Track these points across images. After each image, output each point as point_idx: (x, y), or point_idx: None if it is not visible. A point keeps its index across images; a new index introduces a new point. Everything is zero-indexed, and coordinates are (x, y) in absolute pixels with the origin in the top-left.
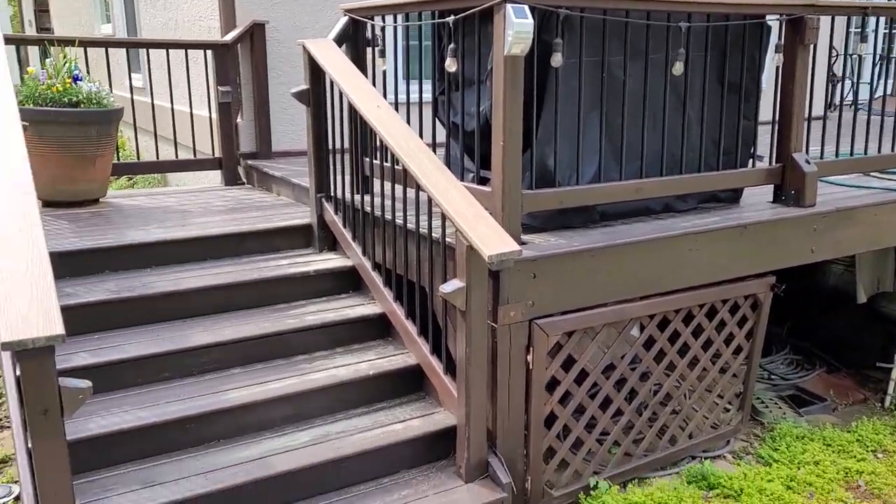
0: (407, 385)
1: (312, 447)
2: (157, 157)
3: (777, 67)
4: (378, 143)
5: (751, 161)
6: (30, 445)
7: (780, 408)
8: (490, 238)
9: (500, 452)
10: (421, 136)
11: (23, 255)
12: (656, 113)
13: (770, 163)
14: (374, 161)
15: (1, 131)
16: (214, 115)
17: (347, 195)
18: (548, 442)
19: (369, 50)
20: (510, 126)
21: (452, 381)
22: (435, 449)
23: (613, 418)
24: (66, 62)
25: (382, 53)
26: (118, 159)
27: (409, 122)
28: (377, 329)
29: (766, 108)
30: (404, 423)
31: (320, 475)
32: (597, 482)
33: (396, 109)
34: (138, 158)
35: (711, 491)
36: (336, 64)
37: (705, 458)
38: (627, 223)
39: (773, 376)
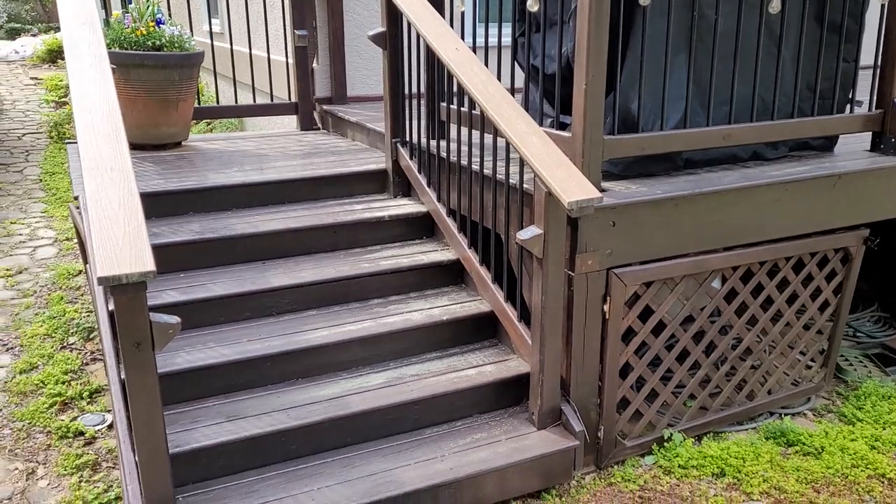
0: (480, 331)
1: (387, 389)
2: (236, 102)
3: (882, 5)
4: (455, 88)
5: (848, 106)
6: (123, 377)
7: (865, 366)
8: (570, 184)
9: (573, 401)
10: (499, 80)
11: (116, 192)
12: (748, 55)
13: (869, 108)
14: (451, 106)
15: (96, 74)
16: (291, 60)
17: (423, 140)
18: (622, 392)
19: None
20: (594, 68)
21: (527, 329)
22: (507, 395)
23: (690, 371)
24: (149, 5)
25: None
26: (198, 104)
27: (487, 65)
28: (451, 275)
29: (868, 50)
30: (477, 368)
31: (394, 416)
32: (671, 434)
33: (474, 53)
34: (217, 104)
35: (790, 448)
36: (413, 5)
37: (784, 415)
38: (713, 171)
39: (858, 333)
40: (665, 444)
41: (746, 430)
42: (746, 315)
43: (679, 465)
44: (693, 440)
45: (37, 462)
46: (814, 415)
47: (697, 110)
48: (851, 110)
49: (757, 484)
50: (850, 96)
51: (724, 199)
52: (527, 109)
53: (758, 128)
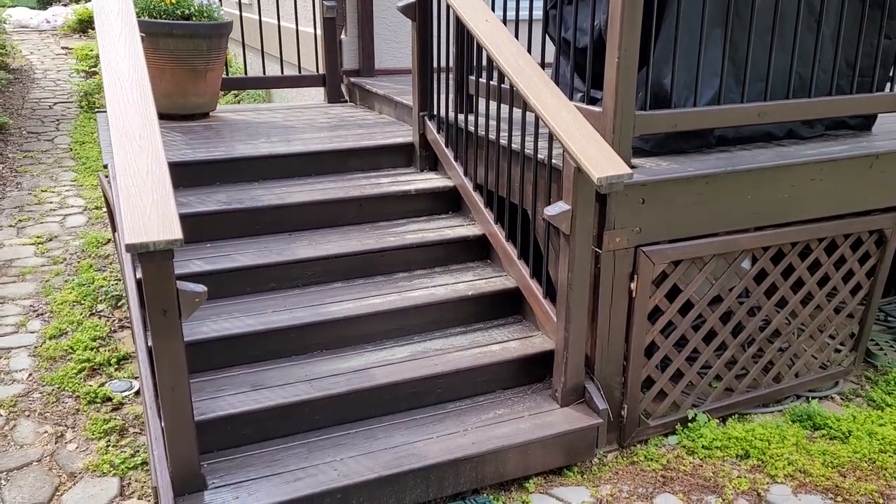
0: (505, 307)
1: (411, 362)
2: (264, 74)
3: None
4: (484, 61)
5: (889, 85)
6: (150, 344)
7: (895, 351)
8: (599, 160)
9: (597, 379)
10: (529, 54)
11: (144, 160)
12: (786, 30)
13: None
14: (480, 79)
15: (125, 42)
16: (319, 32)
17: (451, 114)
18: (647, 371)
19: None
20: (627, 42)
21: (552, 306)
22: (531, 372)
23: (716, 352)
24: None
25: None
26: (226, 75)
27: (517, 39)
28: (476, 250)
29: None
30: (501, 344)
31: (418, 390)
32: (695, 414)
33: (505, 25)
34: (245, 75)
35: (817, 431)
36: None
37: (812, 398)
38: (746, 149)
39: (889, 318)
40: (689, 424)
41: (772, 412)
42: (776, 297)
43: (703, 446)
44: (717, 421)
45: (66, 426)
46: (842, 399)
47: (732, 86)
48: (892, 88)
49: (782, 466)
50: (892, 74)
51: (757, 178)
52: (557, 83)
53: (794, 105)
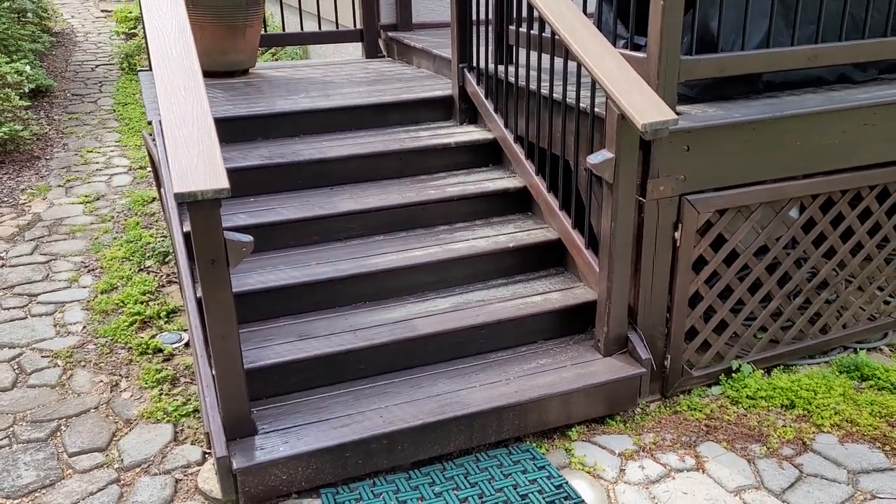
0: (546, 259)
1: (453, 313)
2: (302, 30)
3: None
4: (524, 11)
5: None
6: (199, 294)
7: None
8: (644, 106)
9: (639, 329)
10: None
11: (190, 112)
12: None
13: None
14: (520, 29)
15: None
16: None
17: (490, 66)
18: (690, 322)
19: None
20: None
21: (594, 256)
22: (573, 322)
23: (762, 303)
24: None
25: None
26: (265, 32)
27: None
28: (517, 202)
29: None
30: (543, 295)
31: (460, 340)
32: (739, 365)
33: None
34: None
35: (864, 382)
36: None
37: (860, 349)
38: (795, 94)
39: None
40: (733, 374)
41: (818, 363)
42: (824, 246)
43: (747, 396)
44: (762, 372)
45: (120, 375)
46: (890, 350)
47: (781, 29)
48: None
49: (828, 416)
50: None
51: (806, 124)
52: (599, 30)
53: (847, 47)
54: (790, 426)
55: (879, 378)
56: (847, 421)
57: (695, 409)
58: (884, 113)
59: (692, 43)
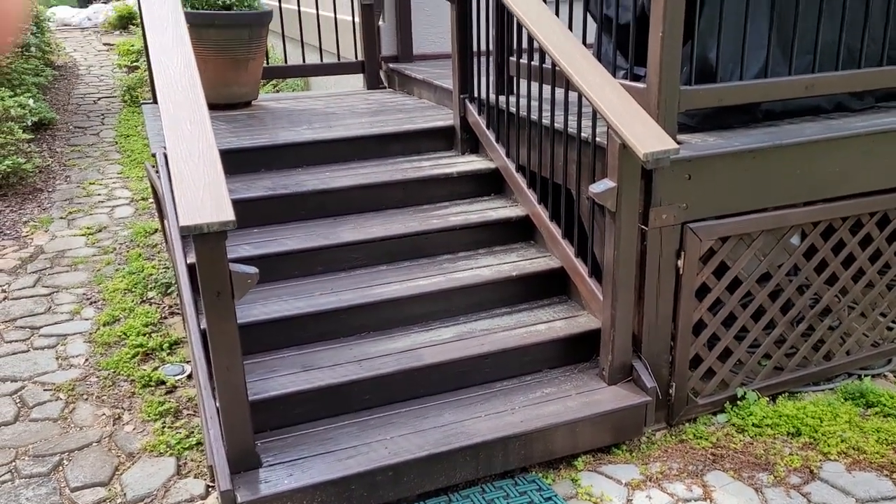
0: (550, 287)
1: (457, 342)
2: (304, 62)
3: None
4: (524, 41)
5: None
6: (203, 326)
7: None
8: (645, 136)
9: (644, 357)
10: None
11: (196, 145)
12: (835, 0)
13: None
14: (520, 60)
15: (174, 32)
16: (357, 19)
17: (491, 96)
18: (695, 349)
19: None
20: (671, 14)
21: (597, 285)
22: (577, 351)
23: (765, 330)
24: None
25: None
26: (267, 64)
27: (557, 17)
28: (520, 231)
29: None
30: (547, 324)
31: (465, 370)
32: (744, 392)
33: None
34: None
35: (870, 409)
36: None
37: (864, 376)
38: (794, 123)
39: None
40: (738, 402)
41: (823, 390)
42: (826, 273)
43: (753, 424)
44: (767, 399)
45: (122, 408)
46: (895, 376)
47: (779, 59)
48: None
49: (835, 444)
50: None
51: (805, 152)
52: (598, 61)
53: (843, 77)
54: (797, 454)
55: (885, 405)
56: (854, 448)
57: (701, 437)
58: (881, 141)
59: (691, 73)
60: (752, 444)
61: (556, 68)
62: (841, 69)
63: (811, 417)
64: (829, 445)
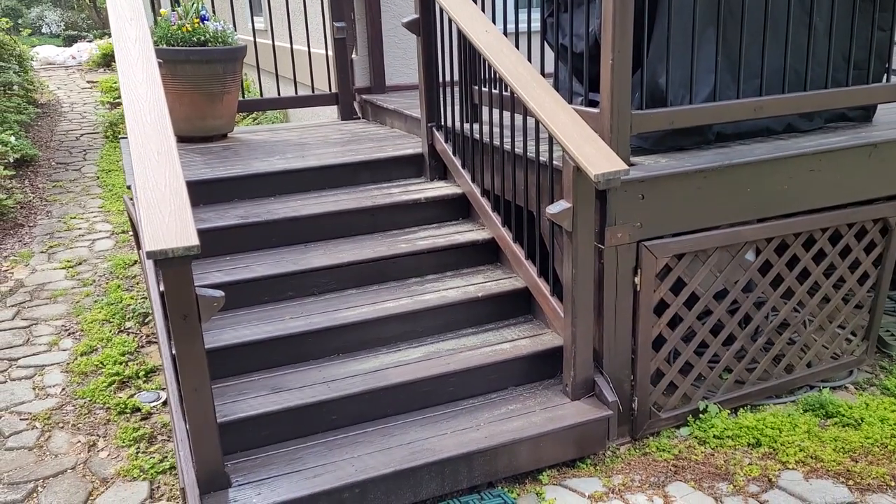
0: (515, 307)
1: (424, 362)
2: (279, 94)
3: None
4: (487, 71)
5: (885, 76)
6: (173, 351)
7: None
8: (596, 158)
9: (606, 372)
10: (529, 62)
11: (162, 174)
12: (779, 26)
13: None
14: (483, 89)
15: (142, 66)
16: (331, 52)
17: (457, 124)
18: (655, 364)
19: None
20: (620, 43)
21: (559, 303)
22: (542, 368)
23: (725, 344)
24: (193, 3)
25: None
26: (243, 97)
27: (518, 48)
28: (486, 254)
29: None
30: (512, 342)
31: (431, 388)
32: (706, 406)
33: (506, 37)
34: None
35: (829, 419)
36: None
37: (825, 388)
38: (745, 144)
39: None
40: (700, 415)
41: (784, 402)
42: (782, 288)
43: (714, 436)
44: (729, 412)
45: (97, 435)
46: (855, 388)
47: (728, 83)
48: (888, 79)
49: (793, 453)
50: (888, 65)
51: (754, 171)
52: (557, 89)
53: (790, 99)
54: (756, 464)
55: (843, 415)
56: (811, 457)
57: (663, 450)
58: (828, 159)
59: (643, 98)
60: (713, 455)
61: (515, 96)
62: (788, 92)
63: (771, 428)
64: (787, 455)
